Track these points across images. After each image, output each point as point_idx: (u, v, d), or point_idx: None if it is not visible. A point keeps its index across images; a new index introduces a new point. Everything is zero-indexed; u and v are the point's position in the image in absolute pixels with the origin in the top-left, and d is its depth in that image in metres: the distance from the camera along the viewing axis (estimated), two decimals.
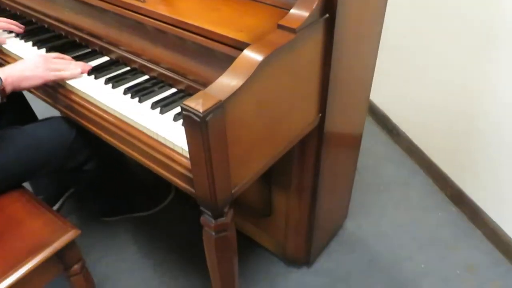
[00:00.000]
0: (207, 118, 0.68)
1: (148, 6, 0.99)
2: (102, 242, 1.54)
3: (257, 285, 1.39)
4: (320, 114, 1.02)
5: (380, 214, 1.63)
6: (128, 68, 1.10)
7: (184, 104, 0.69)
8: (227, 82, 0.73)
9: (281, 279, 1.41)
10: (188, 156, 0.81)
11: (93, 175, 1.24)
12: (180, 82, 1.00)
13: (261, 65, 0.75)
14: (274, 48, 0.77)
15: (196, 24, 0.90)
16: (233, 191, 0.82)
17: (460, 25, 1.45)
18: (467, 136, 1.54)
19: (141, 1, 1.00)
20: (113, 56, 1.14)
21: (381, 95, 2.00)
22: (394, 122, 1.94)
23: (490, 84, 1.39)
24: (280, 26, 0.82)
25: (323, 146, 1.09)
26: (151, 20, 0.98)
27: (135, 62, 1.09)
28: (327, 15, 0.87)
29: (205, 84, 0.94)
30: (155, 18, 0.97)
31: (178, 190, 1.71)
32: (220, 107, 0.69)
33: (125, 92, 1.00)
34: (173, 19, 0.94)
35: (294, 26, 0.81)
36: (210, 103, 0.68)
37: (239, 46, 0.83)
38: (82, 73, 1.07)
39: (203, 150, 0.72)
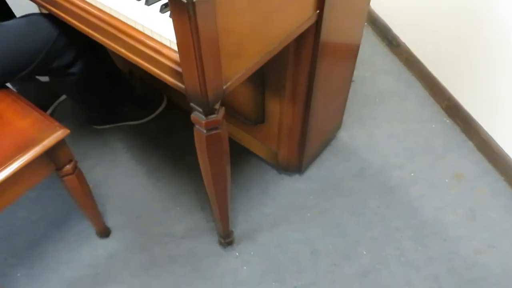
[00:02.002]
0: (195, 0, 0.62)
1: None
2: (95, 150, 1.54)
3: (249, 192, 1.42)
4: (318, 11, 0.96)
5: (374, 125, 1.63)
6: None
7: None
8: None
9: (273, 186, 1.44)
10: (176, 49, 0.77)
11: (80, 78, 1.19)
12: None
13: None
14: None
15: None
16: (224, 87, 0.79)
17: None
18: (467, 47, 1.49)
19: None
20: None
21: (382, 3, 1.89)
22: (394, 32, 1.86)
23: None
24: None
25: (319, 49, 1.04)
26: None
27: None
28: None
29: None
30: None
31: (169, 99, 1.68)
32: None
33: None
34: None
35: None
36: None
37: None
38: None
39: (191, 38, 0.67)
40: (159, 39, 0.81)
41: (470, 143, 1.55)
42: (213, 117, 0.83)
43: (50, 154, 0.97)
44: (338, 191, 1.43)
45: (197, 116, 0.83)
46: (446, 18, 1.56)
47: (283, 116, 1.26)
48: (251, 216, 1.37)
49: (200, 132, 0.86)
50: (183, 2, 0.62)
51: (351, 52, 1.31)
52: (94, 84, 1.28)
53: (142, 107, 1.61)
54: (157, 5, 0.86)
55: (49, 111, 1.61)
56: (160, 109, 1.64)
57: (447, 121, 1.63)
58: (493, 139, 1.47)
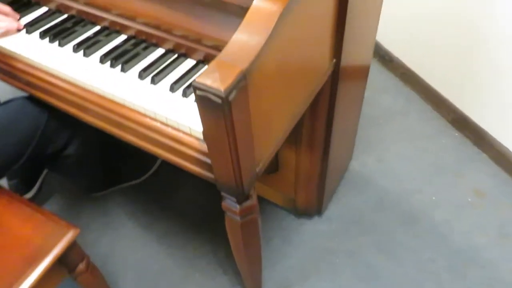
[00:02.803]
0: (230, 97, 0.53)
1: None
2: (97, 221, 1.42)
3: (271, 242, 1.33)
4: (334, 60, 0.89)
5: (383, 149, 1.57)
6: (98, 27, 0.90)
7: (197, 82, 0.54)
8: (244, 42, 0.58)
9: (295, 233, 1.35)
10: (199, 136, 0.68)
11: (79, 157, 1.08)
12: (166, 40, 0.83)
13: (283, 15, 0.59)
14: None
15: None
16: (257, 170, 0.71)
17: None
18: (466, 55, 1.45)
19: None
20: (73, 13, 0.93)
21: None
22: (385, 47, 1.81)
23: None
24: None
25: (337, 93, 0.97)
26: None
27: (104, 19, 0.89)
28: None
29: (198, 40, 0.78)
30: None
31: None
32: (242, 79, 0.55)
33: (103, 60, 0.82)
34: None
35: None
36: (231, 77, 0.54)
37: None
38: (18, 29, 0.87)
39: (226, 134, 0.58)
40: (176, 126, 0.72)
41: (484, 155, 1.51)
42: (247, 203, 0.74)
43: (61, 260, 0.85)
44: (362, 227, 1.36)
45: (229, 204, 0.74)
46: (439, 27, 1.52)
47: (299, 163, 1.18)
48: (277, 270, 1.28)
49: (233, 219, 0.76)
50: (217, 102, 0.53)
51: (362, 84, 1.25)
52: (93, 158, 1.17)
53: (138, 165, 1.50)
54: (166, 83, 0.77)
55: (37, 185, 1.48)
56: (157, 164, 1.54)
57: (456, 134, 1.58)
58: (507, 149, 1.43)
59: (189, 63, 0.81)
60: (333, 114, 1.02)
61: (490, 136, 1.47)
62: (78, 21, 0.92)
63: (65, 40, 0.86)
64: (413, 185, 1.45)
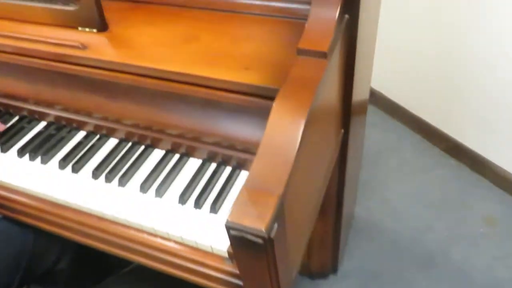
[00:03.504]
0: (272, 234, 0.46)
1: (92, 53, 0.69)
2: None
3: None
4: (342, 130, 0.83)
5: (383, 189, 1.52)
6: (84, 133, 0.81)
7: (232, 223, 0.46)
8: (272, 162, 0.51)
9: None
10: (223, 255, 0.60)
11: (70, 272, 0.96)
12: (162, 141, 0.75)
13: (308, 125, 0.53)
14: (312, 94, 0.55)
15: (173, 69, 0.64)
16: (293, 275, 0.63)
17: None
18: (450, 82, 1.44)
19: (79, 48, 0.70)
20: (51, 119, 0.84)
21: None
22: None
23: (473, 18, 1.27)
24: (302, 52, 0.59)
25: (347, 154, 0.91)
26: (99, 71, 0.69)
27: (86, 123, 0.80)
28: (347, 16, 0.65)
29: (197, 138, 0.70)
30: (104, 68, 0.69)
31: None
32: (280, 207, 0.48)
33: (95, 175, 0.72)
34: (133, 66, 0.66)
35: (323, 48, 0.58)
36: (270, 209, 0.46)
37: (253, 92, 0.59)
38: None
39: (267, 270, 0.50)
40: (194, 245, 0.63)
41: (485, 181, 1.49)
42: None
43: None
44: (381, 280, 1.29)
45: None
46: (419, 57, 1.52)
47: (313, 230, 1.11)
48: None
49: None
50: (259, 243, 0.46)
51: (363, 130, 1.20)
52: (89, 268, 1.05)
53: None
54: (173, 194, 0.68)
55: None
56: None
57: (453, 162, 1.56)
58: (507, 171, 1.42)
59: (194, 164, 0.73)
60: (344, 175, 0.96)
61: (487, 160, 1.46)
62: (59, 128, 0.82)
63: (48, 155, 0.77)
64: (422, 223, 1.41)
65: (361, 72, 0.80)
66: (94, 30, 0.73)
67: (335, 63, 0.63)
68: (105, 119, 0.78)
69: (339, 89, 0.72)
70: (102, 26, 0.72)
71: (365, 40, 0.77)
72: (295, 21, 0.67)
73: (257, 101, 0.60)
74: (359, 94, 0.87)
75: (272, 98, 0.56)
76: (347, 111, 0.79)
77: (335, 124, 0.77)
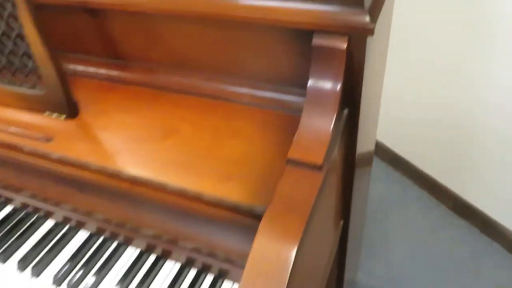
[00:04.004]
0: None
1: (55, 147, 0.61)
2: None
3: None
4: (342, 220, 0.74)
5: (387, 250, 1.42)
6: (53, 222, 0.72)
7: None
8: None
9: None
10: None
11: None
12: (134, 239, 0.66)
13: (300, 249, 0.44)
14: (304, 219, 0.46)
15: (143, 175, 0.55)
16: None
17: (451, 23, 1.22)
18: (456, 136, 1.36)
19: (42, 140, 0.62)
20: (18, 205, 0.75)
21: None
22: None
23: (483, 74, 1.20)
24: (292, 163, 0.51)
25: (348, 241, 0.82)
26: (63, 167, 0.61)
27: (52, 213, 0.71)
28: (346, 111, 0.57)
29: (174, 241, 0.61)
30: (69, 164, 0.61)
31: None
32: None
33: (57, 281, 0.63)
34: (99, 167, 0.58)
35: (317, 160, 0.50)
36: None
37: (234, 209, 0.51)
38: None
39: None
40: None
41: (496, 245, 1.38)
42: None
43: None
44: None
45: None
46: (424, 110, 1.44)
47: None
48: None
49: None
50: None
51: (366, 194, 1.12)
52: None
53: None
54: None
55: None
56: None
57: (462, 223, 1.46)
58: None
59: (171, 268, 0.64)
60: (345, 255, 0.87)
61: (498, 223, 1.36)
62: (27, 214, 0.74)
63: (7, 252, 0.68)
64: None
65: (363, 154, 0.72)
66: (63, 117, 0.65)
67: (332, 170, 0.55)
68: (75, 210, 0.69)
69: (338, 187, 0.64)
70: (71, 113, 0.65)
71: (367, 125, 0.69)
72: (289, 114, 0.60)
73: (240, 218, 0.51)
74: (361, 178, 0.79)
75: (258, 217, 0.48)
76: (347, 203, 0.70)
77: (333, 220, 0.68)
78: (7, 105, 0.69)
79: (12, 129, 0.64)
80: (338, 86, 0.49)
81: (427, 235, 1.45)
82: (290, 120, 0.58)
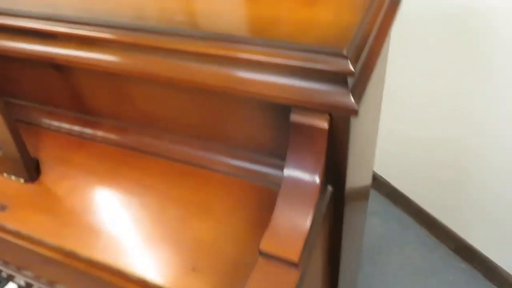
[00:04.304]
0: None
1: (8, 218, 0.55)
2: None
3: None
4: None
5: None
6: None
7: None
8: None
9: None
10: None
11: None
12: None
13: None
14: None
15: (99, 259, 0.49)
16: None
17: (451, 62, 1.17)
18: (456, 174, 1.29)
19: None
20: None
21: None
22: None
23: (484, 111, 1.13)
24: (265, 255, 0.45)
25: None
26: (16, 240, 0.55)
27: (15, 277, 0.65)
28: (330, 188, 0.51)
29: None
30: (23, 238, 0.55)
31: None
32: None
33: None
34: (53, 246, 0.52)
35: (293, 256, 0.43)
36: None
37: None
38: None
39: None
40: None
41: None
42: None
43: None
44: None
45: None
46: (424, 145, 1.37)
47: None
48: None
49: None
50: None
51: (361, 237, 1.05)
52: None
53: None
54: None
55: None
56: None
57: (463, 266, 1.39)
58: None
59: None
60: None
61: (501, 269, 1.28)
62: None
63: None
64: None
65: (352, 223, 0.66)
66: (21, 180, 0.60)
67: (313, 263, 0.49)
68: (38, 278, 0.63)
69: (323, 264, 0.58)
70: (30, 177, 0.59)
71: (356, 194, 0.63)
72: (267, 187, 0.53)
73: None
74: (350, 248, 0.72)
75: None
76: (335, 276, 0.64)
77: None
78: None
79: None
80: (318, 177, 0.43)
81: (426, 278, 1.37)
82: (267, 194, 0.52)
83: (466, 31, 1.07)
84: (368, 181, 0.91)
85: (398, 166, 1.51)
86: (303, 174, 0.43)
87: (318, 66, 0.41)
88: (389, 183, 1.58)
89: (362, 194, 0.82)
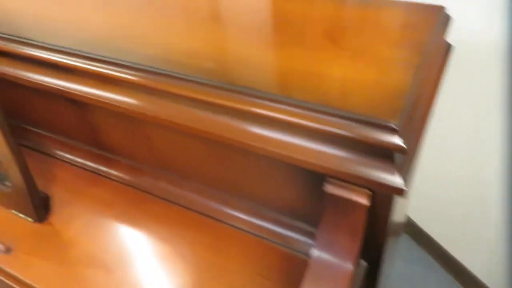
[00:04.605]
0: None
1: (12, 263, 0.51)
2: None
3: None
4: None
5: None
6: None
7: None
8: None
9: None
10: None
11: None
12: None
13: None
14: None
15: None
16: None
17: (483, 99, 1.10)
18: (487, 221, 1.21)
19: (1, 251, 0.53)
20: None
21: None
22: None
23: None
24: None
25: None
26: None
27: None
28: (365, 264, 0.45)
29: None
30: (26, 286, 0.51)
31: None
32: None
33: None
34: None
35: None
36: None
37: None
38: None
39: None
40: None
41: None
42: None
43: None
44: None
45: None
46: (456, 188, 1.30)
47: None
48: None
49: None
50: None
51: None
52: None
53: None
54: None
55: None
56: None
57: None
58: None
59: None
60: None
61: None
62: None
63: None
64: None
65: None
66: (30, 219, 0.56)
67: None
68: None
69: None
70: (38, 217, 0.55)
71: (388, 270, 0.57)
72: (291, 253, 0.48)
73: None
74: None
75: None
76: None
77: None
78: None
79: None
80: (351, 263, 0.37)
81: None
82: (290, 261, 0.47)
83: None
84: (400, 233, 0.84)
85: (424, 206, 1.44)
86: (334, 258, 0.38)
87: (361, 137, 0.36)
88: (413, 222, 1.50)
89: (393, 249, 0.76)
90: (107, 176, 0.61)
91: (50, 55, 0.53)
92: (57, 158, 0.65)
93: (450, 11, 0.54)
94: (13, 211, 0.57)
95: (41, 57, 0.54)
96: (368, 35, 0.48)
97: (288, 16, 0.57)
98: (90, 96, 0.52)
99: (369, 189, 0.38)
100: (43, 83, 0.55)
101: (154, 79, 0.46)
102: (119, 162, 0.61)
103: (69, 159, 0.64)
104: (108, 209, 0.57)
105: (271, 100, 0.39)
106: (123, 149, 0.59)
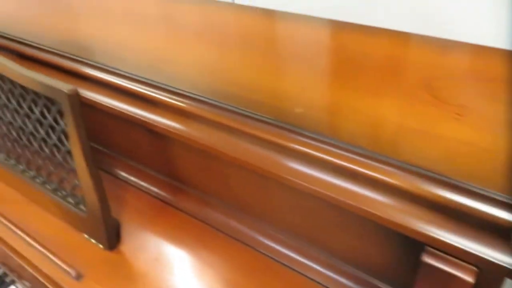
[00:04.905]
0: None
1: None
2: None
3: None
4: None
5: None
6: None
7: None
8: None
9: None
10: None
11: None
12: None
13: None
14: None
15: None
16: None
17: None
18: None
19: (72, 277, 0.53)
20: None
21: None
22: None
23: None
24: None
25: None
26: None
27: None
28: None
29: None
30: None
31: None
32: None
33: None
34: None
35: None
36: None
37: None
38: None
39: None
40: None
41: None
42: None
43: None
44: None
45: None
46: None
47: None
48: None
49: None
50: None
51: None
52: None
53: None
54: None
55: None
56: None
57: None
58: None
59: None
60: None
61: None
62: None
63: None
64: None
65: None
66: (101, 246, 0.57)
67: None
68: None
69: None
70: (109, 244, 0.55)
71: None
72: None
73: None
74: None
75: None
76: None
77: None
78: (50, 211, 0.62)
79: (43, 249, 0.56)
80: None
81: None
82: None
83: None
84: None
85: None
86: None
87: (475, 212, 0.33)
88: None
89: None
90: (178, 208, 0.61)
91: (137, 87, 0.54)
92: (129, 183, 0.66)
93: None
94: (86, 236, 0.58)
95: (128, 87, 0.55)
96: (477, 89, 0.45)
97: (382, 61, 0.55)
98: (170, 129, 0.52)
99: (476, 266, 0.35)
100: (127, 112, 0.55)
101: (238, 119, 0.45)
102: (191, 195, 0.60)
103: (140, 185, 0.65)
104: (177, 243, 0.56)
105: (371, 159, 0.37)
106: (196, 182, 0.59)
